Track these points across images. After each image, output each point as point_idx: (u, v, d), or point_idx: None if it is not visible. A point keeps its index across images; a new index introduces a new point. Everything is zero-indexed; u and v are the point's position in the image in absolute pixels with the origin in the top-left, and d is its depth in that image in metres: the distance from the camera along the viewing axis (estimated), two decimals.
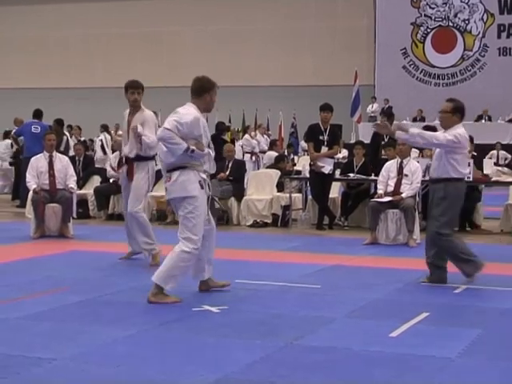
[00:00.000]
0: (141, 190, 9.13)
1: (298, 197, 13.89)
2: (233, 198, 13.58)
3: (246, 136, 23.34)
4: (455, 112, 8.03)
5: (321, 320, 6.39)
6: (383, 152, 13.24)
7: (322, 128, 12.82)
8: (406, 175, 11.35)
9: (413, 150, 12.59)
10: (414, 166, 11.50)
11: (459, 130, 7.87)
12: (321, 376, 4.92)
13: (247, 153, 21.94)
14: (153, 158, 9.19)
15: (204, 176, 7.13)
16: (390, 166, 11.54)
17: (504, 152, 24.21)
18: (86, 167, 15.08)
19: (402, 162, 11.42)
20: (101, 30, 34.06)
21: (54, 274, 8.48)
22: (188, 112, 7.05)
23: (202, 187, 7.06)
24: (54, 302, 6.97)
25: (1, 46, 35.30)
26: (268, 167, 16.49)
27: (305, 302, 7.06)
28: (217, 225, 12.95)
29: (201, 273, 7.40)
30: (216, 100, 7.32)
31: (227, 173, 13.64)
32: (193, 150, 6.89)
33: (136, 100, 9.04)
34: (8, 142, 19.30)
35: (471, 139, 13.60)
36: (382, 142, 13.54)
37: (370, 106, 29.28)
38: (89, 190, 14.51)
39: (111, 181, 14.25)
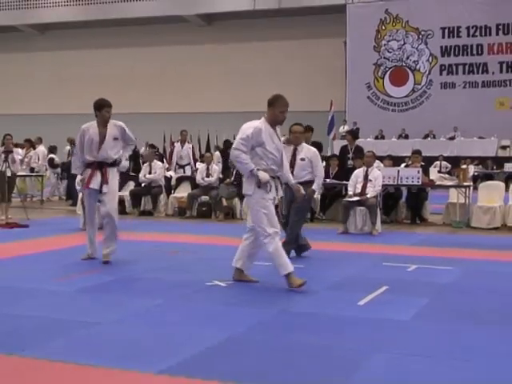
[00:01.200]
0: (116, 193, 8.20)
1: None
2: (237, 198, 13.59)
3: None
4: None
5: (305, 292, 6.38)
6: (349, 162, 13.21)
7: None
8: (371, 180, 11.36)
9: (376, 161, 12.59)
10: (377, 173, 11.52)
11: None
12: (306, 335, 4.92)
13: None
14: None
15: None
16: (358, 173, 11.53)
17: (445, 162, 24.21)
18: (122, 174, 15.04)
19: (367, 170, 11.43)
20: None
21: (98, 257, 8.46)
22: (248, 126, 6.51)
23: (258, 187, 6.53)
24: (97, 279, 6.96)
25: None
26: None
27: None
28: (225, 219, 13.12)
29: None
30: (281, 115, 6.55)
31: (232, 178, 13.66)
32: (257, 176, 6.42)
33: (110, 117, 7.88)
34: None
35: (420, 152, 13.65)
36: (348, 155, 13.48)
37: (342, 127, 29.24)
38: (125, 192, 14.50)
39: (143, 185, 14.28)
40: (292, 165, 8.24)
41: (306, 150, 8.56)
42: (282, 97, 6.61)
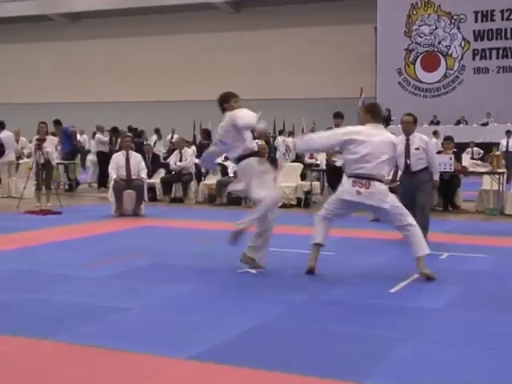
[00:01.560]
0: None
1: (316, 184, 13.86)
2: None
3: (280, 138, 23.62)
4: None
5: (335, 279, 6.37)
6: None
7: None
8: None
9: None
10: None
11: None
12: (335, 322, 4.91)
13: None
14: None
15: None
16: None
17: (477, 148, 23.90)
18: (153, 162, 15.15)
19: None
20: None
21: (129, 243, 8.54)
22: None
23: None
24: (128, 266, 7.01)
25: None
26: (293, 161, 16.44)
27: (322, 265, 6.99)
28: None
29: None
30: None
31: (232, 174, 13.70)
32: None
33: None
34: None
35: (452, 138, 13.47)
36: None
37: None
38: (156, 180, 14.59)
39: (173, 172, 14.34)
40: (407, 155, 8.32)
41: (419, 140, 8.53)
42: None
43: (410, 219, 6.37)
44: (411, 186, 8.28)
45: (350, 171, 6.37)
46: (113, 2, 34.87)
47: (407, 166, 8.46)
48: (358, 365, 3.99)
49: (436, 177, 8.63)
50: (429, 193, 8.78)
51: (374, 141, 6.30)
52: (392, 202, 6.30)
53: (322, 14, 31.92)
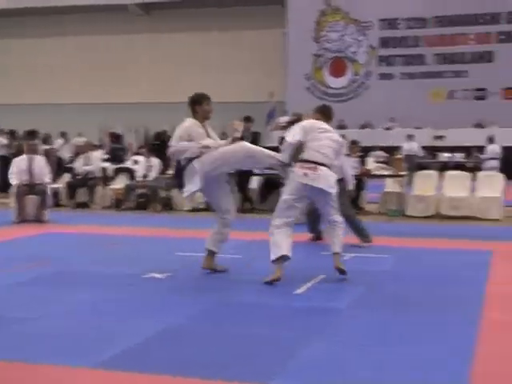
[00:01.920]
0: None
1: None
2: (175, 189, 13.54)
3: None
4: None
5: (243, 282, 6.42)
6: None
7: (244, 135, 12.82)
8: None
9: None
10: None
11: None
12: (243, 325, 4.95)
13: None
14: None
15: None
16: None
17: (381, 152, 24.50)
18: (58, 166, 14.85)
19: None
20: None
21: (31, 251, 8.34)
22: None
23: None
24: (33, 273, 6.85)
25: None
26: None
27: (231, 268, 7.07)
28: (163, 210, 13.05)
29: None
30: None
31: (171, 171, 13.65)
32: None
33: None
34: None
35: (357, 142, 13.82)
36: None
37: (282, 117, 29.34)
38: (61, 184, 14.30)
39: (78, 177, 14.10)
40: None
41: None
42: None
43: (339, 217, 6.68)
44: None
45: (298, 158, 6.54)
46: (16, 1, 33.86)
47: None
48: (264, 366, 4.04)
49: (350, 186, 8.86)
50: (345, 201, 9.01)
51: (322, 135, 6.60)
52: (336, 191, 6.59)
53: (232, 17, 32.06)
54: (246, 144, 6.88)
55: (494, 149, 21.62)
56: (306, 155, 6.50)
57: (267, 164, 6.96)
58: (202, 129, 6.73)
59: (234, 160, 6.73)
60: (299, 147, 6.57)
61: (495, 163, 20.92)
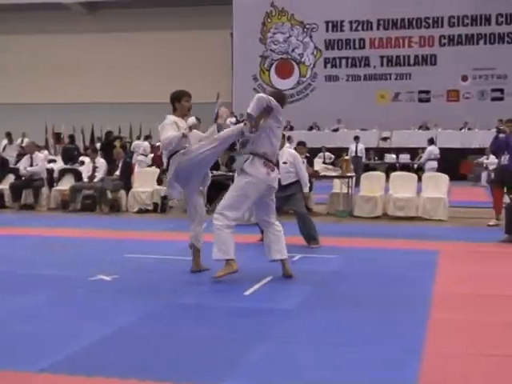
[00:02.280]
0: None
1: None
2: (122, 190, 13.41)
3: (137, 142, 23.31)
4: None
5: (191, 284, 6.39)
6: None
7: None
8: None
9: None
10: None
11: None
12: (192, 327, 4.93)
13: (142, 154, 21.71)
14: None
15: None
16: None
17: (328, 153, 24.77)
18: (2, 167, 14.55)
19: None
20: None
21: None
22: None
23: None
24: None
25: None
26: (149, 166, 16.34)
27: (180, 271, 7.03)
28: (110, 212, 12.90)
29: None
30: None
31: (118, 172, 13.51)
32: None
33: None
34: None
35: (304, 143, 13.88)
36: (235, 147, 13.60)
37: (229, 118, 29.35)
38: (5, 186, 14.00)
39: (23, 178, 13.84)
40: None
41: (287, 154, 9.02)
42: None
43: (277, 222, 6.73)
44: (281, 198, 8.20)
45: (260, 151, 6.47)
46: None
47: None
48: (214, 368, 4.02)
49: (305, 189, 9.01)
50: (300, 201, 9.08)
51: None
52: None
53: (179, 18, 31.92)
54: (219, 134, 6.85)
55: (433, 150, 22.29)
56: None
57: (239, 135, 6.84)
58: (184, 124, 6.73)
59: (212, 151, 6.75)
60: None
61: (435, 164, 21.57)
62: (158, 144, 17.16)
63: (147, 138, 25.37)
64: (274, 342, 4.52)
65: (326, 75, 30.28)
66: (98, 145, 20.33)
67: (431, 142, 22.63)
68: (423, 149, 23.70)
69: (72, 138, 22.19)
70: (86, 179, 13.62)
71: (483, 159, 22.12)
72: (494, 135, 11.66)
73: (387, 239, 9.67)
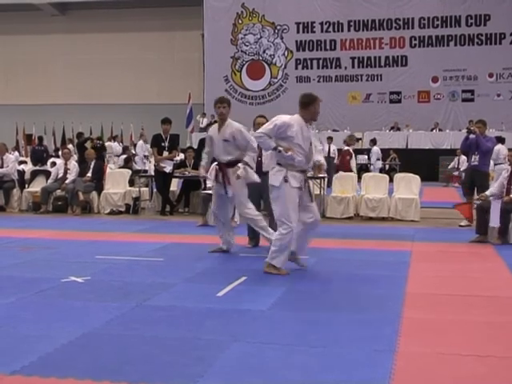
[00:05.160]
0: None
1: (145, 190, 13.75)
2: (94, 192, 13.33)
3: (108, 143, 23.23)
4: None
5: (164, 285, 6.36)
6: None
7: (164, 137, 12.79)
8: None
9: None
10: None
11: None
12: (164, 328, 4.91)
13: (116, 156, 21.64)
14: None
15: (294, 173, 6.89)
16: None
17: None
18: None
19: None
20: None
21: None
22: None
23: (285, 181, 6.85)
24: None
25: None
26: (121, 167, 16.25)
27: (151, 272, 7.01)
28: (81, 213, 12.81)
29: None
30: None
31: (89, 173, 13.42)
32: (280, 151, 6.89)
33: (222, 113, 8.34)
34: None
35: None
36: None
37: (201, 119, 29.31)
38: None
39: None
40: (260, 154, 8.56)
41: None
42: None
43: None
44: (261, 185, 8.15)
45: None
46: None
47: (259, 165, 8.60)
48: (187, 369, 4.02)
49: None
50: None
51: None
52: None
53: (150, 19, 31.82)
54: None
55: (377, 150, 22.70)
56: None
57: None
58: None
59: None
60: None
61: (381, 164, 22.09)
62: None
63: (115, 138, 25.33)
64: (246, 343, 4.53)
65: (297, 76, 30.37)
66: (70, 146, 20.17)
67: (374, 142, 23.05)
68: (395, 150, 23.93)
69: (41, 139, 22.02)
70: (51, 180, 13.54)
71: (453, 164, 22.50)
72: (464, 136, 11.79)
73: (360, 240, 9.72)
